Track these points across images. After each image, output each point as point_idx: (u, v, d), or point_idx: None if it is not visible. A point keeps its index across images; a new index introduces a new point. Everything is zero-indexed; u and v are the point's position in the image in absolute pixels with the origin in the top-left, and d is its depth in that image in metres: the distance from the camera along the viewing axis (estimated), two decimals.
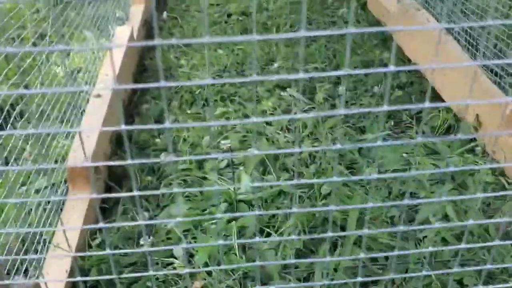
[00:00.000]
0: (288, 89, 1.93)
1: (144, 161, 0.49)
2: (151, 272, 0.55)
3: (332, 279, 1.21)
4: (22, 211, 1.25)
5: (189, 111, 1.85)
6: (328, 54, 2.16)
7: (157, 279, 1.24)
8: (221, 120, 1.77)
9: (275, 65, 2.09)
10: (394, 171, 1.57)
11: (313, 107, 1.84)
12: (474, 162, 1.60)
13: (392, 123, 1.78)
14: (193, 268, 1.25)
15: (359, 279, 0.60)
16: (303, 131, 1.72)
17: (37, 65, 1.74)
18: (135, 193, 0.50)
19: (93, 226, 0.51)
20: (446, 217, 1.39)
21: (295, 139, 1.65)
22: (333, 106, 1.85)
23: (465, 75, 1.72)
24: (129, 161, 0.48)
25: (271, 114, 1.82)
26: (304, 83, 1.96)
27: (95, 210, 1.43)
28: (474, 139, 1.69)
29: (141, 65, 2.16)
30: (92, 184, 1.41)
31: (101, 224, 0.52)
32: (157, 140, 1.69)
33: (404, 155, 1.63)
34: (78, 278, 0.57)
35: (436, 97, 1.90)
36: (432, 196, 1.46)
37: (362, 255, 0.59)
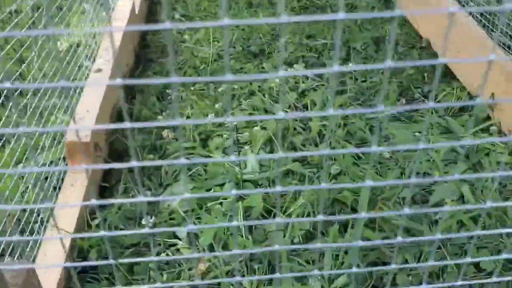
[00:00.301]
0: (295, 65, 1.85)
1: (144, 125, 0.42)
2: (153, 258, 0.49)
3: (343, 263, 1.15)
4: (18, 189, 1.19)
5: (192, 88, 1.78)
6: (336, 30, 2.08)
7: (159, 259, 1.19)
8: (226, 97, 1.71)
9: (282, 40, 2.01)
10: (406, 151, 1.51)
11: (322, 84, 1.77)
12: (489, 142, 1.54)
13: (404, 101, 1.71)
14: (198, 249, 1.19)
15: (393, 266, 0.54)
16: (312, 108, 1.66)
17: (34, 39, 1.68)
18: (135, 163, 0.43)
19: (89, 202, 0.45)
20: (461, 198, 1.33)
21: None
22: (343, 83, 1.78)
23: (479, 51, 1.65)
24: (127, 124, 0.41)
25: (278, 91, 1.75)
26: (312, 60, 1.89)
27: (96, 188, 1.37)
28: (489, 118, 1.62)
29: (143, 40, 2.09)
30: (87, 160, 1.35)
31: (94, 201, 0.46)
32: (160, 117, 1.63)
33: (417, 134, 1.57)
34: (69, 264, 0.51)
35: (449, 75, 1.82)
36: (446, 177, 1.40)
37: (399, 238, 0.53)
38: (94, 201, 0.46)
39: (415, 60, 1.92)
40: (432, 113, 1.67)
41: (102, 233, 0.47)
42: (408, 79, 1.81)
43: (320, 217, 0.46)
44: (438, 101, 1.72)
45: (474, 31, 1.71)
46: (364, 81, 1.80)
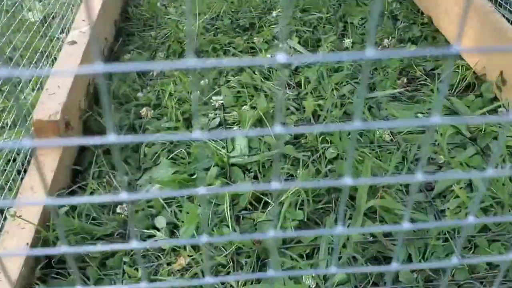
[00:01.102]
0: (289, 40, 1.72)
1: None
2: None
3: (340, 257, 1.04)
4: None
5: None
6: (332, 4, 1.94)
7: (135, 253, 1.06)
8: (212, 73, 1.57)
9: (274, 14, 1.87)
10: (408, 133, 1.39)
11: (317, 61, 1.63)
12: (497, 124, 1.42)
13: (405, 80, 1.58)
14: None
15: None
16: (306, 87, 1.52)
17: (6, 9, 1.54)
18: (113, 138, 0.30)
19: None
20: (470, 186, 1.21)
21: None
22: (339, 61, 1.65)
23: (484, 25, 1.52)
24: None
25: (269, 67, 1.61)
26: (307, 35, 1.76)
27: (67, 171, 1.24)
28: (497, 99, 1.50)
29: (124, 12, 1.94)
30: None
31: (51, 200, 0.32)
32: (139, 94, 1.49)
33: (419, 115, 1.44)
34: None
35: None
36: (452, 161, 1.28)
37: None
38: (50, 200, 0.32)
39: (416, 36, 1.79)
40: (432, 90, 1.54)
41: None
42: (409, 57, 1.68)
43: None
44: (440, 81, 1.60)
45: (482, 4, 1.58)
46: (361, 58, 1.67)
